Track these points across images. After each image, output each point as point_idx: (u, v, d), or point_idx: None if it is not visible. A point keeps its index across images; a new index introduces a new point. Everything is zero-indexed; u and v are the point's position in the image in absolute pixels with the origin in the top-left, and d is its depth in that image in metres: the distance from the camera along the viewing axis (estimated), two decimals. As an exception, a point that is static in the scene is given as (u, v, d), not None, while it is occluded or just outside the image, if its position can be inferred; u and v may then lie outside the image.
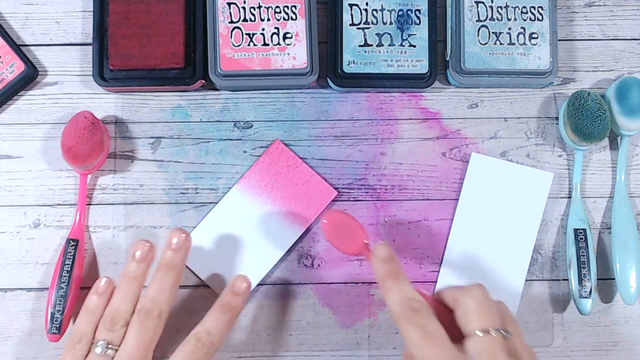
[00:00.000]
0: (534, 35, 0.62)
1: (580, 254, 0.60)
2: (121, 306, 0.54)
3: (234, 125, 0.63)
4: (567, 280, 0.61)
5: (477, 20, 0.62)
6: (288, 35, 0.60)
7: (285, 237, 0.61)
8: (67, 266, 0.58)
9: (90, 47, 0.62)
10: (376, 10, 0.62)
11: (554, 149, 0.64)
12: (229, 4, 0.61)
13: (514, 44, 0.62)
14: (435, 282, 0.62)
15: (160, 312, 0.54)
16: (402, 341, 0.61)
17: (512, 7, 0.62)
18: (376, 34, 0.61)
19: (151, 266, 0.57)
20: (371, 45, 0.61)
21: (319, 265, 0.62)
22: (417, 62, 0.62)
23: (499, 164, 0.63)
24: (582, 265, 0.60)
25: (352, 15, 0.62)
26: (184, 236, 0.57)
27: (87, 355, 0.54)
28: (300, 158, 0.62)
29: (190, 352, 0.54)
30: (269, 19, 0.60)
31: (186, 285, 0.61)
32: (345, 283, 0.62)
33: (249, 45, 0.60)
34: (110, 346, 0.53)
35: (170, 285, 0.55)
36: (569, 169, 0.64)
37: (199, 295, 0.61)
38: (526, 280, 0.62)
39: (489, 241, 0.62)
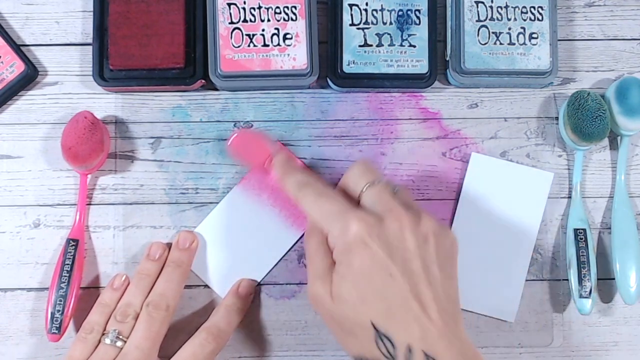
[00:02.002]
0: (534, 35, 0.62)
1: (580, 254, 0.60)
2: (133, 300, 0.57)
3: (234, 125, 0.63)
4: (567, 280, 0.61)
5: (477, 20, 0.62)
6: (288, 36, 0.60)
7: (285, 238, 0.61)
8: (67, 266, 0.58)
9: (90, 47, 0.62)
10: (376, 10, 0.62)
11: (554, 149, 0.64)
12: (229, 4, 0.61)
13: (514, 44, 0.62)
14: (435, 282, 0.62)
15: (167, 305, 0.57)
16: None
17: (512, 7, 0.62)
18: (376, 34, 0.61)
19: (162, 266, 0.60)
20: (371, 45, 0.61)
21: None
22: (417, 62, 0.62)
23: (499, 164, 0.63)
24: (582, 265, 0.60)
25: (352, 15, 0.61)
26: (191, 237, 0.60)
27: (97, 346, 0.56)
28: (301, 158, 0.62)
29: (199, 345, 0.56)
30: (269, 20, 0.60)
31: (186, 285, 0.61)
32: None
33: (249, 46, 0.60)
34: (119, 337, 0.55)
35: (177, 280, 0.58)
36: (569, 169, 0.64)
37: (199, 295, 0.61)
38: (526, 280, 0.62)
39: (489, 241, 0.62)
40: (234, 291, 0.60)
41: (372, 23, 0.62)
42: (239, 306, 0.59)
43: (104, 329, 0.56)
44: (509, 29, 0.62)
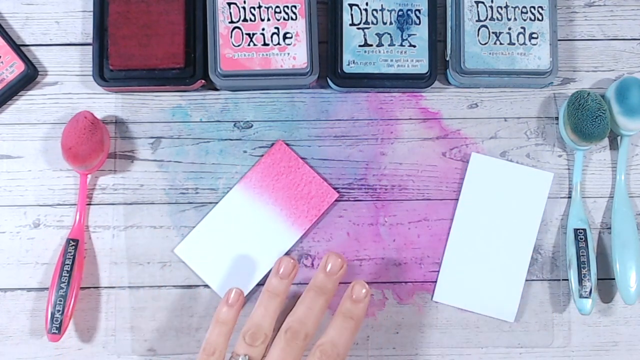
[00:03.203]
0: (534, 35, 0.62)
1: (580, 254, 0.60)
2: (263, 321, 0.53)
3: (234, 125, 0.63)
4: (567, 280, 0.61)
5: (477, 20, 0.62)
6: (288, 35, 0.60)
7: (285, 238, 0.61)
8: (67, 266, 0.58)
9: (90, 47, 0.62)
10: (376, 10, 0.62)
11: (554, 149, 0.64)
12: (229, 4, 0.61)
13: (514, 44, 0.62)
14: (435, 282, 0.62)
15: (306, 335, 0.52)
16: (403, 341, 0.61)
17: (512, 7, 0.62)
18: (376, 34, 0.61)
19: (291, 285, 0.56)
20: (371, 45, 0.61)
21: (319, 265, 0.62)
22: (417, 62, 0.62)
23: (499, 164, 0.63)
24: (582, 265, 0.60)
25: (352, 15, 0.62)
26: (340, 263, 0.56)
27: None
28: (301, 158, 0.62)
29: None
30: (269, 19, 0.60)
31: (186, 285, 0.61)
32: (345, 283, 0.62)
33: (249, 45, 0.60)
34: None
35: (319, 308, 0.54)
36: (569, 169, 0.64)
37: (199, 295, 0.61)
38: (526, 280, 0.62)
39: (489, 241, 0.62)
40: (348, 296, 0.55)
41: (372, 23, 0.62)
42: (356, 312, 0.54)
43: (226, 349, 0.53)
44: (509, 29, 0.62)
